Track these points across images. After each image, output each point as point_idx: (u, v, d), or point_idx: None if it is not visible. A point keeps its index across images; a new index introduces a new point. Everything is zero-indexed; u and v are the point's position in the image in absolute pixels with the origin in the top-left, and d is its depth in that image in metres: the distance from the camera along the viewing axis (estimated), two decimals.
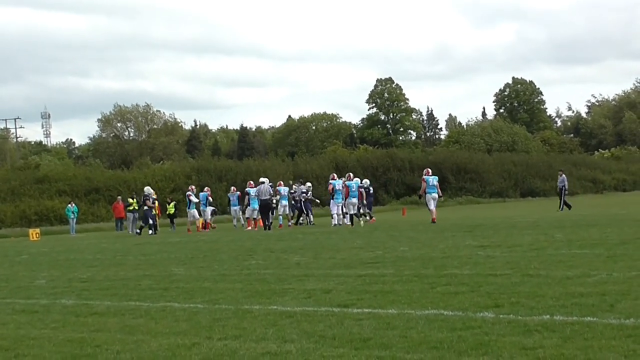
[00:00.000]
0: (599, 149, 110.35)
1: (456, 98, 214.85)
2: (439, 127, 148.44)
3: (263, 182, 34.85)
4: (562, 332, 8.43)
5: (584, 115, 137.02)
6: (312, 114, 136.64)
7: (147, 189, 42.05)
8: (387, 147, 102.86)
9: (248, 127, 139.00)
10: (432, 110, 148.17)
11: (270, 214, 36.23)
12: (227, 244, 27.95)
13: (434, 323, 9.38)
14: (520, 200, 76.92)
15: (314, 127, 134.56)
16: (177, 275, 17.18)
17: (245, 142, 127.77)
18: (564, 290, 11.25)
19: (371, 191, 40.56)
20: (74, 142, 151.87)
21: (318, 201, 42.72)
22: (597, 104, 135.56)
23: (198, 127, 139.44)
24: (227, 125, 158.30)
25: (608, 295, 10.50)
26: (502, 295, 11.13)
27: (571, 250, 17.35)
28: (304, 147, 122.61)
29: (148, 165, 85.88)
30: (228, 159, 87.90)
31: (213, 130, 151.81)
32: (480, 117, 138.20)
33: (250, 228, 38.01)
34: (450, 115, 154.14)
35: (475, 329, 8.92)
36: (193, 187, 44.65)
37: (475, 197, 75.66)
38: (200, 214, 42.80)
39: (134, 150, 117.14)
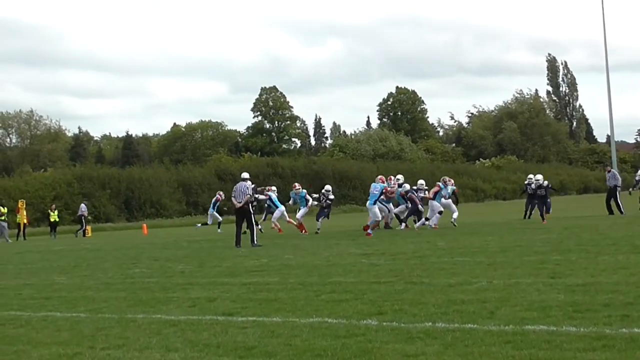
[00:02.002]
0: (480, 159, 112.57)
1: (341, 107, 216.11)
2: (325, 135, 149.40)
3: (245, 180, 27.49)
4: (443, 339, 8.54)
5: (465, 125, 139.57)
6: (199, 122, 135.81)
7: None
8: (270, 155, 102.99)
9: (134, 135, 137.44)
10: (320, 119, 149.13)
11: (247, 221, 26.74)
12: (111, 252, 27.55)
13: (318, 331, 9.40)
14: None
15: (199, 135, 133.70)
16: (59, 284, 16.86)
17: (130, 149, 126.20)
18: (446, 297, 11.41)
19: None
20: None
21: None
22: (478, 114, 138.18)
23: (81, 134, 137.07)
24: (110, 133, 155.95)
25: (488, 303, 10.69)
26: (386, 302, 11.22)
27: (453, 258, 17.62)
28: (190, 155, 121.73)
29: (29, 173, 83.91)
30: (112, 166, 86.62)
31: (96, 138, 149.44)
32: (365, 127, 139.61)
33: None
34: (334, 123, 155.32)
35: (358, 336, 8.97)
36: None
37: (360, 206, 76.25)
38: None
39: (16, 157, 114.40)
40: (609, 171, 36.27)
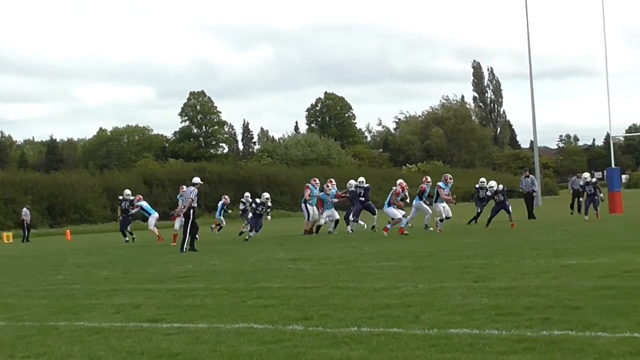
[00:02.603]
0: (407, 164, 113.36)
1: (269, 112, 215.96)
2: (253, 140, 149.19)
3: (194, 184, 26.59)
4: (369, 344, 8.59)
5: (392, 131, 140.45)
6: (125, 126, 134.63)
7: None
8: (198, 160, 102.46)
9: (58, 140, 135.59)
10: (248, 124, 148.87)
11: (184, 226, 26.43)
12: (33, 258, 27.16)
13: (244, 337, 9.39)
14: None
15: (126, 140, 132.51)
16: None
17: (54, 154, 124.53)
18: (372, 302, 11.47)
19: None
20: None
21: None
22: (405, 120, 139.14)
23: (3, 138, 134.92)
24: (33, 137, 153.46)
25: (413, 307, 10.78)
26: (312, 307, 11.25)
27: (379, 262, 17.72)
28: (116, 160, 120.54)
29: None
30: (35, 171, 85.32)
31: (18, 143, 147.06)
32: (293, 132, 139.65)
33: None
34: (262, 129, 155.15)
35: (284, 341, 8.98)
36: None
37: (287, 211, 76.25)
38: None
39: None
40: (527, 176, 36.84)
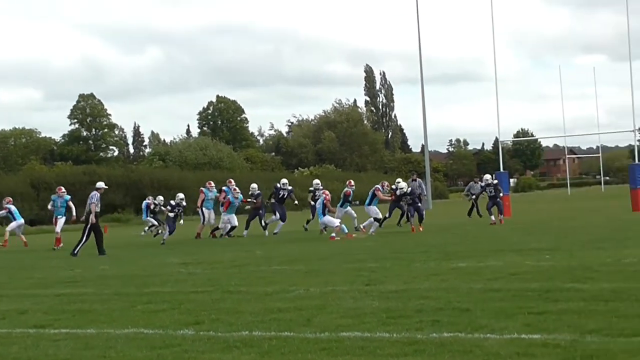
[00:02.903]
0: (300, 167, 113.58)
1: (160, 115, 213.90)
2: (144, 144, 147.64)
3: (97, 189, 26.62)
4: (260, 348, 8.57)
5: (285, 134, 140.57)
6: (12, 129, 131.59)
7: None
8: (87, 163, 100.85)
9: None
10: (138, 127, 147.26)
11: (83, 229, 25.80)
12: None
13: (134, 342, 9.27)
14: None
15: (12, 143, 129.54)
16: None
17: None
18: (263, 306, 11.45)
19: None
20: None
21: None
22: (298, 123, 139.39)
23: None
24: None
25: (305, 310, 10.79)
26: (203, 312, 11.17)
27: (271, 266, 17.71)
28: (2, 164, 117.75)
29: None
30: None
31: None
32: (184, 135, 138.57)
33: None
34: (152, 132, 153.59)
35: (175, 346, 8.89)
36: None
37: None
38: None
39: None
40: (415, 180, 37.18)
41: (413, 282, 13.38)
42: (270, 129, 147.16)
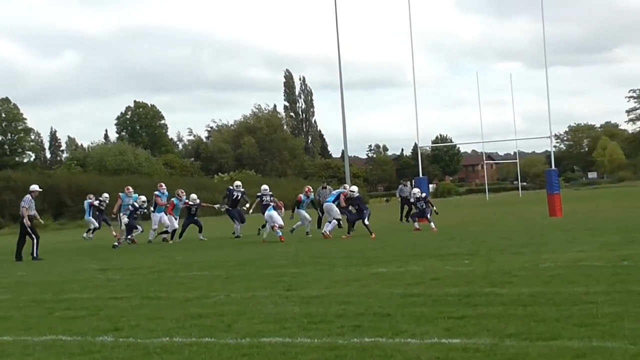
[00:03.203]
0: (219, 173, 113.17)
1: (78, 120, 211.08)
2: (61, 149, 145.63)
3: (30, 192, 26.48)
4: (180, 354, 8.51)
5: (204, 139, 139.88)
6: None
7: None
8: (2, 168, 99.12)
9: None
10: (55, 132, 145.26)
11: (23, 233, 25.85)
12: None
13: (52, 349, 9.13)
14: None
15: None
16: None
17: None
18: (184, 312, 11.38)
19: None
20: None
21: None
22: (217, 129, 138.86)
23: None
24: None
25: (226, 316, 10.75)
26: (122, 318, 11.07)
27: (191, 272, 17.62)
28: None
29: None
30: None
31: None
32: (102, 140, 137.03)
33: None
34: (69, 137, 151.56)
35: (94, 353, 8.79)
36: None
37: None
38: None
39: None
40: (325, 187, 37.24)
41: (334, 287, 13.41)
42: (190, 134, 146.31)
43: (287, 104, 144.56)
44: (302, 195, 30.91)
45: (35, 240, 25.15)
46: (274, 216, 28.54)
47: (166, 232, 31.42)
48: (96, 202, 36.92)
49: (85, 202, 38.31)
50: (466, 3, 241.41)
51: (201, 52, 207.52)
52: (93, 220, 37.30)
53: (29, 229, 25.28)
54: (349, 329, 9.39)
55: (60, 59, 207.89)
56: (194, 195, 33.00)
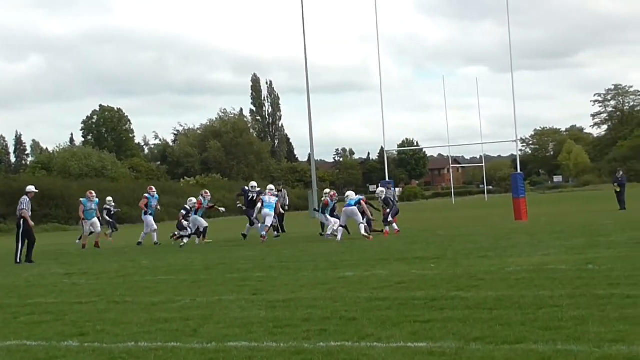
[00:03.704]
0: (186, 177, 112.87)
1: (43, 124, 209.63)
2: (26, 152, 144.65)
3: (26, 193, 26.47)
4: (146, 358, 8.50)
5: (171, 143, 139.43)
6: None
7: None
8: None
9: None
10: (20, 135, 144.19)
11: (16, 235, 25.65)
12: None
13: (16, 354, 9.08)
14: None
15: None
16: None
17: None
18: (149, 316, 11.34)
19: None
20: None
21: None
22: (184, 132, 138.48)
23: None
24: None
25: (192, 320, 10.73)
26: (88, 323, 11.01)
27: (157, 276, 17.55)
28: None
29: None
30: None
31: None
32: (68, 143, 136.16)
33: None
34: (34, 141, 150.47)
35: (59, 358, 8.75)
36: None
37: (62, 224, 74.36)
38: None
39: None
40: (280, 190, 37.25)
41: (300, 291, 13.42)
42: (156, 139, 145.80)
43: (253, 107, 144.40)
44: (328, 199, 30.94)
45: (21, 245, 24.98)
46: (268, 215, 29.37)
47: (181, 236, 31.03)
48: (106, 207, 37.06)
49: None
50: (431, 7, 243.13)
51: (167, 55, 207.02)
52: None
53: (26, 232, 25.08)
54: (315, 333, 9.40)
55: (25, 62, 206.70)
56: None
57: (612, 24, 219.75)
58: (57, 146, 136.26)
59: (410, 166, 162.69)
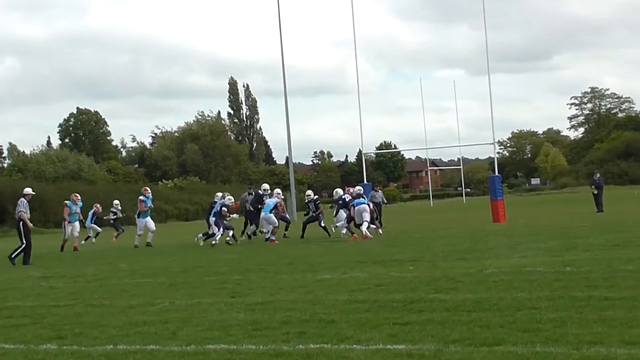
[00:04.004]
0: (164, 179, 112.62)
1: (20, 127, 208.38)
2: (3, 155, 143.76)
3: (24, 195, 26.56)
4: None
5: (148, 146, 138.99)
6: None
7: None
8: None
9: None
10: None
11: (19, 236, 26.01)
12: None
13: None
14: (85, 230, 76.16)
15: None
16: None
17: None
18: (128, 319, 11.30)
19: None
20: None
21: None
22: (161, 135, 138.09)
23: None
24: None
25: (170, 323, 10.70)
26: (66, 326, 10.97)
27: (135, 279, 17.51)
28: None
29: None
30: None
31: None
32: (45, 146, 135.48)
33: None
34: (10, 144, 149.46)
35: None
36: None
37: (39, 227, 74.03)
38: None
39: None
40: (250, 194, 37.20)
41: (279, 294, 13.41)
42: (133, 141, 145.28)
43: (231, 110, 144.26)
44: (347, 196, 31.00)
45: (23, 246, 25.04)
46: (271, 219, 29.50)
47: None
48: (112, 210, 37.31)
49: (91, 211, 39.20)
50: (407, 11, 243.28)
51: (143, 58, 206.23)
52: (94, 226, 38.68)
53: (24, 233, 25.02)
54: (294, 335, 9.39)
55: (1, 65, 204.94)
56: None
57: (587, 28, 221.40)
58: (34, 149, 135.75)
59: (388, 169, 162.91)
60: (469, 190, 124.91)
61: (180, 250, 28.37)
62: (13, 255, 24.85)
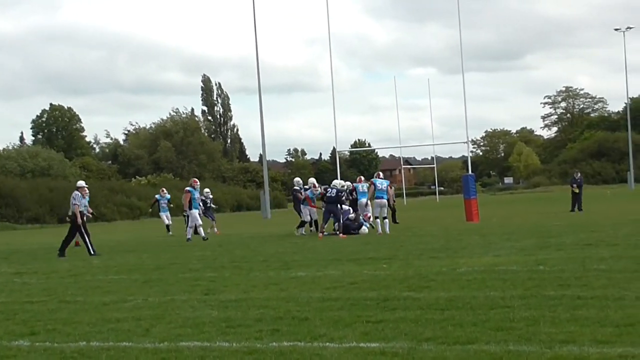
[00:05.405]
0: (137, 176, 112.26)
1: None
2: None
3: (77, 188, 26.30)
4: (98, 358, 8.45)
5: (122, 143, 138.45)
6: None
7: None
8: None
9: None
10: None
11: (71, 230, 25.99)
12: None
13: None
14: (58, 226, 75.92)
15: None
16: None
17: None
18: (101, 316, 11.27)
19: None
20: None
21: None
22: (135, 132, 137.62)
23: None
24: None
25: (144, 320, 10.68)
26: (38, 322, 10.93)
27: (108, 276, 17.45)
28: None
29: None
30: None
31: None
32: (18, 143, 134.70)
33: None
34: None
35: (9, 358, 8.68)
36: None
37: (12, 223, 73.63)
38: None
39: None
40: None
41: (252, 291, 13.41)
42: (107, 137, 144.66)
43: (204, 108, 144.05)
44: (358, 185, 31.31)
45: (87, 238, 24.98)
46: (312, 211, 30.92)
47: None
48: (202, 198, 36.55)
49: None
50: (379, 9, 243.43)
51: (117, 54, 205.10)
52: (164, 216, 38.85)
53: (81, 227, 25.06)
54: (268, 333, 9.40)
55: None
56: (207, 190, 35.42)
57: (560, 27, 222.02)
58: (6, 145, 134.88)
59: (362, 167, 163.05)
60: (442, 188, 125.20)
61: (154, 247, 28.29)
62: (92, 251, 24.67)
